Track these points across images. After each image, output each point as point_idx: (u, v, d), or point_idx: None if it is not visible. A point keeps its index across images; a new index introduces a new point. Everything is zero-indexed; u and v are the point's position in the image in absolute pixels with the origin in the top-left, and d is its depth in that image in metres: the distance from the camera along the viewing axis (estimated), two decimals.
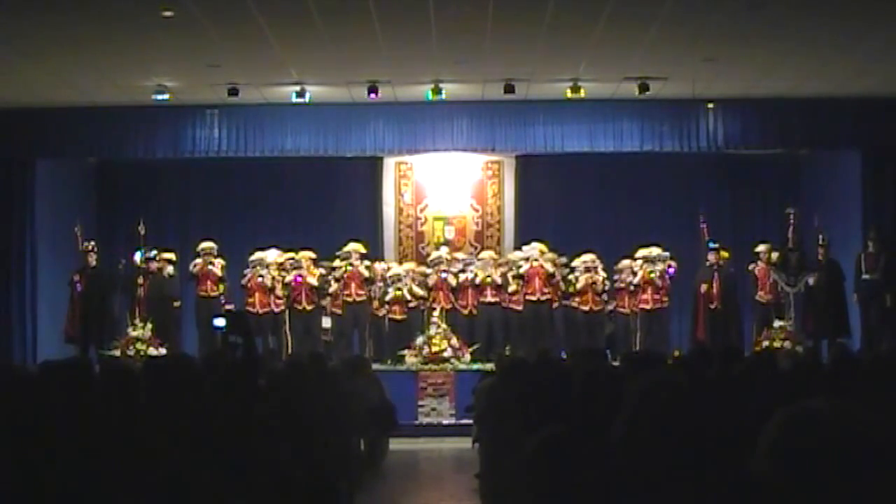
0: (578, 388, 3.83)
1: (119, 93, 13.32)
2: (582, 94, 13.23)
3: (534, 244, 14.13)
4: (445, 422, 12.40)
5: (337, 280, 13.84)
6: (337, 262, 13.98)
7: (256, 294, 13.79)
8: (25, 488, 2.56)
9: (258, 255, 13.96)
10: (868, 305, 13.70)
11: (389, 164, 15.88)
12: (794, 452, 1.60)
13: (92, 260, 13.98)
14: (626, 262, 14.10)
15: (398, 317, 13.80)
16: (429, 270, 14.20)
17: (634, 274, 14.00)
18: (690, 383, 2.77)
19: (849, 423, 1.60)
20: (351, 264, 13.84)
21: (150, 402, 4.08)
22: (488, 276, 13.90)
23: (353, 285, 13.83)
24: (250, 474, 3.42)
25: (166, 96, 13.18)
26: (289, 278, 13.91)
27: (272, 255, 14.03)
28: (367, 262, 14.06)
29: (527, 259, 13.98)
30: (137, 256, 14.04)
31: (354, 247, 14.03)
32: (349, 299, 13.83)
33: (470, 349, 13.19)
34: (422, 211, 15.92)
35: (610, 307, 14.21)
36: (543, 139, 14.47)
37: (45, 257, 14.45)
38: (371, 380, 9.88)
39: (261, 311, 13.67)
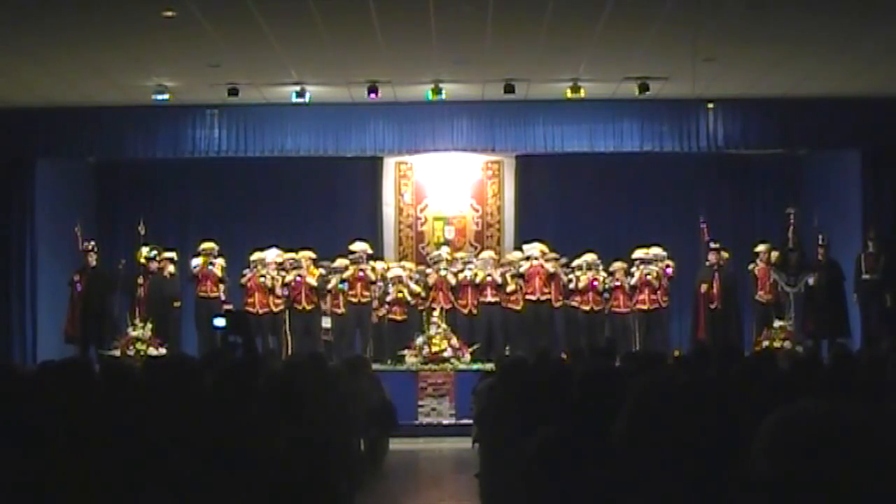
0: (578, 388, 3.83)
1: (119, 93, 13.33)
2: (582, 94, 13.23)
3: (534, 244, 14.14)
4: (445, 422, 12.39)
5: (344, 280, 13.78)
6: (341, 261, 13.90)
7: (256, 294, 13.79)
8: (25, 489, 2.56)
9: (258, 255, 13.95)
10: (868, 305, 13.71)
11: (389, 164, 15.88)
12: (791, 452, 1.60)
13: (92, 260, 13.98)
14: (618, 265, 14.09)
15: (398, 317, 13.79)
16: (429, 270, 14.20)
17: (630, 275, 14.00)
18: (690, 383, 2.76)
19: (846, 422, 1.60)
20: (361, 269, 13.77)
21: (150, 402, 4.07)
22: (488, 275, 13.89)
23: (359, 286, 13.80)
24: (250, 474, 3.42)
25: (166, 96, 13.19)
26: (289, 278, 13.90)
27: (272, 255, 14.02)
28: (371, 263, 14.05)
29: (527, 259, 13.98)
30: (144, 250, 14.05)
31: (363, 247, 14.00)
32: (354, 300, 13.81)
33: (470, 349, 13.18)
34: (422, 211, 15.92)
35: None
36: (543, 139, 14.48)
37: (45, 257, 14.45)
38: (371, 380, 9.88)
39: (261, 311, 13.66)
